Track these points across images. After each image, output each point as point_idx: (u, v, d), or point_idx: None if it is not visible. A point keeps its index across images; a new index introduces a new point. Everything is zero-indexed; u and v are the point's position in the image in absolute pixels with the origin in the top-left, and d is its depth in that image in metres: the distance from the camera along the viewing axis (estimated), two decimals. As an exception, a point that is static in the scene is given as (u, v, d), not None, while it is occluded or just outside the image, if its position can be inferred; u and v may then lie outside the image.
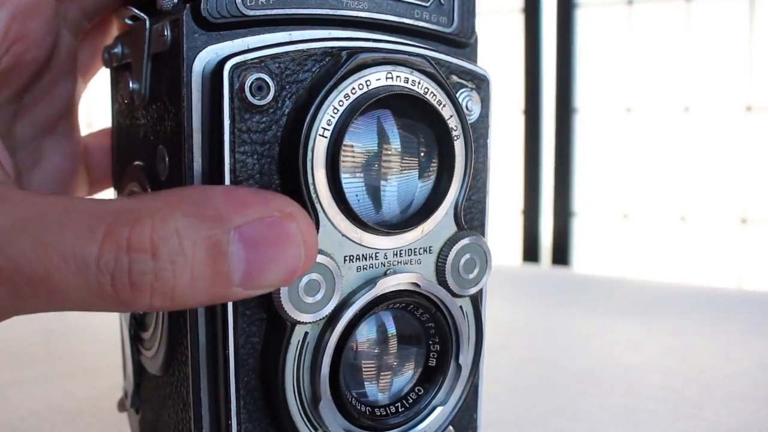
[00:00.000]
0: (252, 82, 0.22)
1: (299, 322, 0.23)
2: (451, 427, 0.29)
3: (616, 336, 0.58)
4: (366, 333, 0.26)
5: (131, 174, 0.29)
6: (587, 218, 1.32)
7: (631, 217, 1.30)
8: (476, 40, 0.29)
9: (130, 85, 0.26)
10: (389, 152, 0.25)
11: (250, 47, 0.23)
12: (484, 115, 0.28)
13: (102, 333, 0.49)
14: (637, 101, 1.27)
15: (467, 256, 0.27)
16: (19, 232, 0.19)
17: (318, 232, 0.23)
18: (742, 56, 1.19)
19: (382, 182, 0.25)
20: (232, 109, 0.22)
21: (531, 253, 1.34)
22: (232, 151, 0.22)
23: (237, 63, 0.22)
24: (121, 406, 0.34)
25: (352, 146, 0.24)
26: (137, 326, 0.30)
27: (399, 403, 0.27)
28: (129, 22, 0.26)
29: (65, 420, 0.39)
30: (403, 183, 0.25)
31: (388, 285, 0.25)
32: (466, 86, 0.27)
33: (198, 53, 0.23)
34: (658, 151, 1.26)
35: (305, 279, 0.23)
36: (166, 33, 0.23)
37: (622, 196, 1.30)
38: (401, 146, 0.25)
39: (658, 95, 1.26)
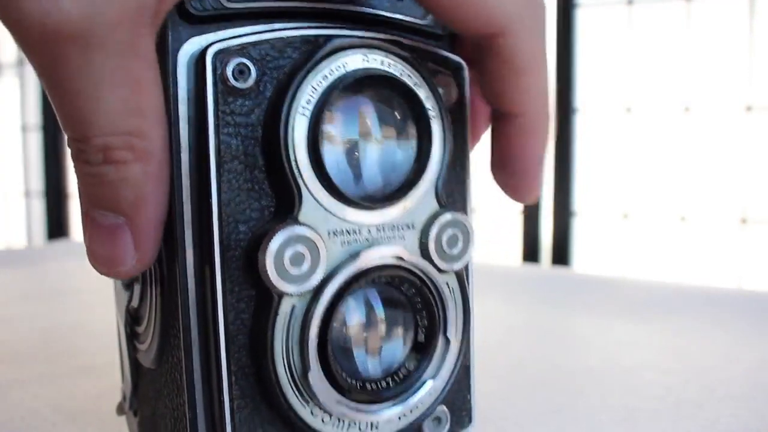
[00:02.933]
0: (234, 67, 0.23)
1: (285, 294, 0.24)
2: (444, 407, 0.29)
3: (616, 336, 0.58)
4: (353, 307, 0.27)
5: None
6: (587, 218, 1.32)
7: (631, 217, 1.30)
8: (450, 32, 0.29)
9: None
10: (368, 128, 0.26)
11: (232, 36, 0.24)
12: (461, 101, 0.29)
13: (102, 333, 0.49)
14: (637, 101, 1.27)
15: (450, 231, 0.28)
16: None
17: (301, 207, 0.24)
18: (742, 56, 1.19)
19: (363, 156, 0.26)
20: (215, 93, 0.23)
21: (531, 253, 1.34)
22: (217, 133, 0.23)
23: (219, 49, 0.23)
24: (120, 409, 0.34)
25: (331, 123, 0.25)
26: (132, 321, 0.30)
27: (390, 378, 0.27)
28: None
29: (65, 420, 0.39)
30: (383, 157, 0.26)
31: (372, 257, 0.26)
32: (442, 72, 0.28)
33: (182, 44, 0.24)
34: (658, 151, 1.27)
35: (290, 251, 0.24)
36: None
37: (622, 196, 1.30)
38: (379, 122, 0.26)
39: (658, 95, 1.26)
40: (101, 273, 0.25)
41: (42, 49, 0.22)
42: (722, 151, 1.22)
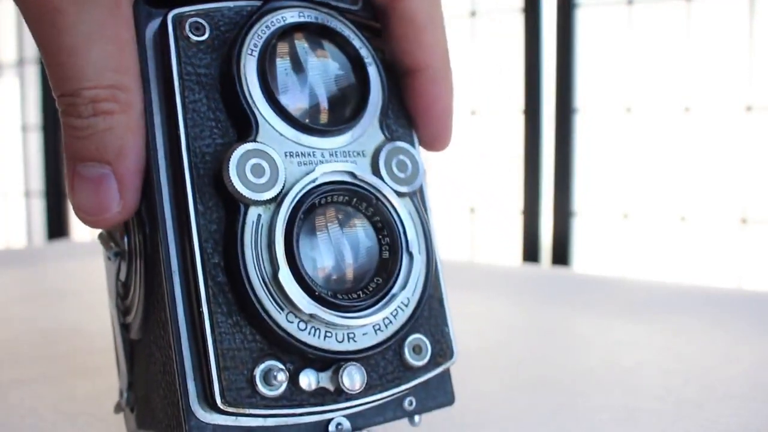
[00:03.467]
0: (191, 23, 0.27)
1: (250, 201, 0.27)
2: (422, 336, 0.30)
3: (616, 336, 0.58)
4: (317, 222, 0.29)
5: None
6: (587, 218, 1.32)
7: (631, 217, 1.30)
8: (378, 22, 0.33)
9: None
10: (311, 63, 0.30)
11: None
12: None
13: (102, 333, 0.49)
14: (637, 101, 1.27)
15: (399, 157, 0.30)
16: None
17: (258, 132, 0.27)
18: (742, 56, 1.19)
19: (310, 84, 0.29)
20: (177, 46, 0.27)
21: (531, 253, 1.34)
22: (181, 78, 0.27)
23: (178, 12, 0.27)
24: (118, 407, 0.34)
25: (278, 59, 0.29)
26: (122, 299, 0.31)
27: (360, 291, 0.29)
28: None
29: (65, 419, 0.39)
30: (329, 86, 0.30)
31: (327, 170, 0.28)
32: (372, 35, 0.32)
33: (149, 22, 0.28)
34: (658, 151, 1.27)
35: (251, 161, 0.27)
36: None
37: (622, 196, 1.30)
38: (321, 59, 0.30)
39: (658, 95, 1.26)
40: (87, 223, 0.28)
41: (40, 3, 0.25)
42: (722, 151, 1.22)
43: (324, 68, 0.30)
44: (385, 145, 0.30)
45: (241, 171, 0.26)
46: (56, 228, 1.78)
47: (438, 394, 0.31)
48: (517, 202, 1.35)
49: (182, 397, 0.26)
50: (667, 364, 0.50)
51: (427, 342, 0.30)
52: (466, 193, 1.43)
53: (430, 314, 0.31)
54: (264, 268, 0.26)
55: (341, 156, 0.29)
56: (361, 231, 0.29)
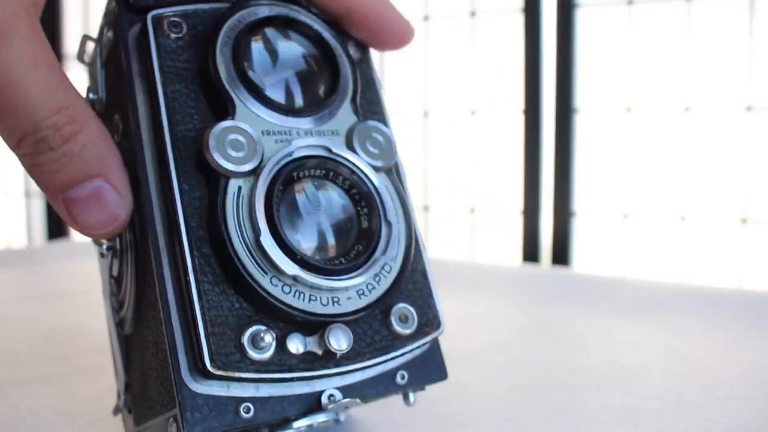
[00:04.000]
0: (169, 22, 0.29)
1: (230, 173, 0.28)
2: (407, 305, 0.31)
3: (616, 336, 0.58)
4: (296, 193, 0.30)
5: None
6: (587, 218, 1.32)
7: (631, 217, 1.30)
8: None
9: (91, 96, 0.32)
10: (283, 48, 0.31)
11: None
12: (367, 58, 0.34)
13: (101, 333, 0.49)
14: (637, 101, 1.27)
15: (372, 134, 0.32)
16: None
17: (236, 112, 0.29)
18: (742, 56, 1.19)
19: (282, 67, 0.31)
20: (157, 44, 0.29)
21: (531, 253, 1.34)
22: (162, 71, 0.29)
23: (157, 14, 0.29)
24: (117, 409, 0.34)
25: (251, 46, 0.31)
26: (115, 294, 0.32)
27: (342, 258, 0.29)
28: (86, 62, 0.34)
29: (65, 419, 0.39)
30: (300, 70, 0.31)
31: (302, 144, 0.29)
32: (345, 39, 0.33)
33: (131, 27, 0.30)
34: (658, 151, 1.27)
35: (230, 136, 0.28)
36: (110, 35, 0.31)
37: (622, 196, 1.30)
38: (292, 46, 0.31)
39: (658, 95, 1.26)
40: (101, 236, 0.28)
41: None
42: (722, 151, 1.22)
43: (295, 53, 0.31)
44: (357, 125, 0.31)
45: (221, 145, 0.28)
46: (56, 228, 1.78)
47: (431, 368, 0.32)
48: (517, 202, 1.35)
49: (174, 370, 0.27)
50: (667, 364, 0.50)
51: (413, 311, 0.31)
52: (466, 193, 1.43)
53: (414, 286, 0.31)
54: (246, 234, 0.27)
55: (316, 135, 0.30)
56: (339, 202, 0.30)
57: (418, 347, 0.31)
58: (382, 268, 0.30)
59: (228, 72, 0.29)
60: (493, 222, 1.41)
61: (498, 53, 1.36)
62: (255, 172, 0.28)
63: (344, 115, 0.31)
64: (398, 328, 0.30)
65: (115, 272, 0.32)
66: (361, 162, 0.30)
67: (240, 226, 0.27)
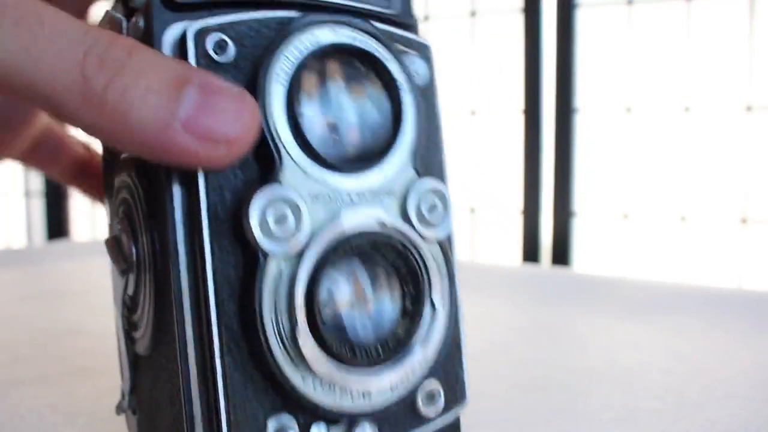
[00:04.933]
0: (214, 42, 0.25)
1: (271, 254, 0.25)
2: (437, 382, 0.29)
3: (616, 336, 0.58)
4: (339, 273, 0.27)
5: (122, 165, 0.30)
6: (587, 218, 1.32)
7: (631, 217, 1.30)
8: (416, 22, 0.31)
9: None
10: (341, 94, 0.27)
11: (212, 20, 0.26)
12: (432, 79, 0.30)
13: (102, 333, 0.49)
14: (637, 101, 1.27)
15: (429, 198, 0.29)
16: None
17: (283, 171, 0.25)
18: (742, 56, 1.19)
19: (339, 117, 0.27)
20: (198, 66, 0.25)
21: (531, 253, 1.34)
22: None
23: (200, 27, 0.25)
24: (119, 408, 0.34)
25: (307, 89, 0.27)
26: (129, 312, 0.31)
27: (379, 345, 0.27)
28: (108, 26, 0.28)
29: (65, 420, 0.39)
30: (360, 119, 0.27)
31: (354, 219, 0.26)
32: (410, 53, 0.29)
33: (166, 29, 0.25)
34: (658, 151, 1.27)
35: (274, 210, 0.25)
36: (140, 24, 0.26)
37: (622, 196, 1.30)
38: (351, 88, 0.28)
39: (658, 95, 1.26)
40: (226, 158, 0.23)
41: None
42: (722, 151, 1.22)
43: (353, 93, 0.28)
44: (415, 184, 0.28)
45: (263, 221, 0.25)
46: (56, 228, 1.78)
47: None
48: (517, 202, 1.35)
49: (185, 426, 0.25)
50: (667, 364, 0.50)
51: (441, 388, 0.29)
52: (466, 193, 1.43)
53: (446, 358, 0.29)
54: (282, 323, 0.25)
55: (369, 197, 0.27)
56: (385, 283, 0.28)
57: (441, 425, 0.30)
58: (420, 358, 0.28)
59: (278, 117, 0.26)
60: (493, 222, 1.41)
61: (498, 53, 1.36)
62: (298, 254, 0.25)
63: (401, 170, 0.28)
64: (424, 409, 0.29)
65: (130, 291, 0.30)
66: (414, 235, 0.28)
67: (276, 313, 0.25)
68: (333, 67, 0.27)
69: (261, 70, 0.26)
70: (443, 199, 0.29)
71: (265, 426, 0.25)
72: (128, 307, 0.31)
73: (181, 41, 0.25)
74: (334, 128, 0.27)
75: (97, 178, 0.40)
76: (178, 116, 0.22)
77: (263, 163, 0.25)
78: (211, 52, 0.25)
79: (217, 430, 0.25)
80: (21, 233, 1.90)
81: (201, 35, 0.25)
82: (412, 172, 0.28)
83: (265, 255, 0.25)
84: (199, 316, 0.25)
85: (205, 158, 0.23)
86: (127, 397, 0.32)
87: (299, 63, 0.26)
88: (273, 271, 0.25)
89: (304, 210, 0.25)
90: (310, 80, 0.27)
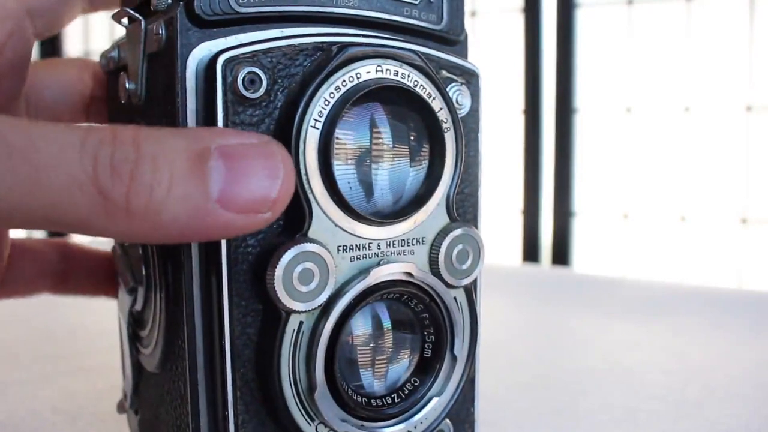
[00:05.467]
0: (245, 76, 0.23)
1: (293, 311, 0.24)
2: (448, 420, 0.29)
3: (616, 336, 0.58)
4: (361, 323, 0.26)
5: None
6: (587, 218, 1.32)
7: (631, 217, 1.30)
8: (466, 38, 0.29)
9: (127, 85, 0.26)
10: (380, 142, 0.26)
11: (243, 43, 0.23)
12: (475, 109, 0.28)
13: (101, 333, 0.50)
14: (637, 101, 1.27)
15: (460, 246, 0.27)
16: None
17: (311, 222, 0.24)
18: (742, 56, 1.19)
19: (374, 172, 0.26)
20: (225, 102, 0.22)
21: (531, 253, 1.34)
22: None
23: (230, 57, 0.22)
24: (121, 407, 0.34)
25: (343, 137, 0.25)
26: (135, 324, 0.30)
27: (395, 395, 0.27)
28: (125, 24, 0.27)
29: (66, 420, 0.39)
30: (394, 173, 0.26)
31: (381, 274, 0.25)
32: (456, 81, 0.28)
33: (191, 50, 0.23)
34: (658, 151, 1.27)
35: (299, 267, 0.23)
36: (160, 32, 0.24)
37: (622, 196, 1.30)
38: (392, 136, 0.26)
39: (658, 95, 1.26)
40: (275, 213, 0.21)
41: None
42: (722, 151, 1.22)
43: (391, 142, 0.26)
44: (448, 233, 0.27)
45: (288, 278, 0.23)
46: (56, 228, 1.78)
47: None
48: (517, 202, 1.35)
49: None
50: (667, 364, 0.50)
51: (451, 426, 0.29)
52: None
53: (461, 399, 0.29)
54: (300, 380, 0.25)
55: (399, 246, 0.26)
56: (406, 335, 0.27)
57: None
58: (436, 406, 0.28)
59: (310, 166, 0.23)
60: (493, 222, 1.41)
61: (498, 53, 1.36)
62: (322, 308, 0.24)
63: (435, 217, 0.27)
64: None
65: (138, 307, 0.29)
66: (441, 288, 0.27)
67: (294, 369, 0.24)
68: (374, 111, 0.25)
69: (297, 111, 0.23)
70: (474, 246, 0.28)
71: None
72: (135, 320, 0.30)
73: (209, 69, 0.23)
74: (368, 180, 0.25)
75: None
76: (211, 197, 0.20)
77: (292, 210, 0.23)
78: (241, 88, 0.23)
79: None
80: (21, 233, 1.90)
81: (231, 67, 0.22)
82: (445, 218, 0.27)
83: (288, 312, 0.24)
84: (213, 362, 0.24)
85: (251, 225, 0.21)
86: (129, 398, 0.32)
87: (337, 106, 0.24)
88: (293, 327, 0.24)
89: (331, 265, 0.24)
90: (348, 127, 0.25)
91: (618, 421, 0.39)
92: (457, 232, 0.27)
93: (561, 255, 1.31)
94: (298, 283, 0.23)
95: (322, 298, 0.24)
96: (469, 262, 0.28)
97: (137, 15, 0.25)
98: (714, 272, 1.23)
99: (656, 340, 0.56)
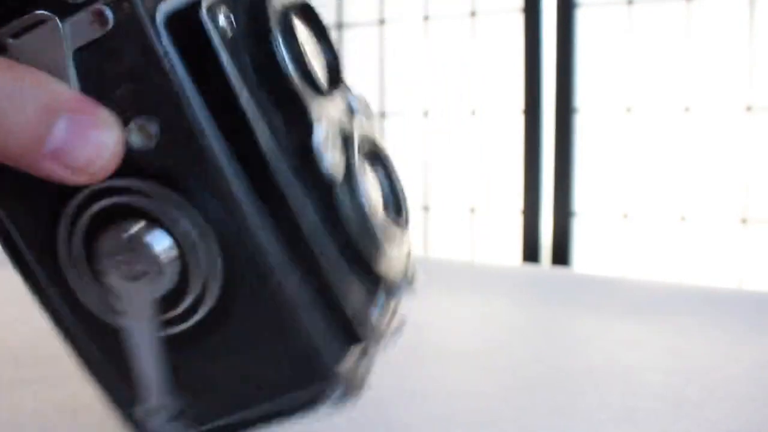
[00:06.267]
0: (225, 15, 0.23)
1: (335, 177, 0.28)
2: None
3: (616, 336, 0.58)
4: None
5: None
6: (587, 218, 1.32)
7: (631, 217, 1.30)
8: None
9: None
10: (307, 34, 0.29)
11: None
12: None
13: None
14: (637, 101, 1.27)
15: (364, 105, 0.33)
16: None
17: (312, 116, 0.26)
18: (742, 56, 1.19)
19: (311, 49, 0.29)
20: (225, 47, 0.23)
21: (531, 253, 1.34)
22: (238, 80, 0.23)
23: (209, 5, 0.23)
24: (144, 415, 0.33)
25: (296, 36, 0.27)
26: (171, 305, 0.31)
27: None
28: (11, 40, 0.23)
29: (67, 420, 0.39)
30: (317, 47, 0.30)
31: (364, 133, 0.30)
32: None
33: (153, 15, 0.22)
34: (658, 151, 1.27)
35: (330, 143, 0.27)
36: (106, 14, 0.22)
37: (622, 196, 1.30)
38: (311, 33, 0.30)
39: (658, 95, 1.26)
40: (93, 180, 0.23)
41: None
42: (722, 151, 1.22)
43: (310, 35, 0.30)
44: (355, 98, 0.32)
45: (327, 150, 0.26)
46: (56, 228, 1.78)
47: None
48: (517, 202, 1.35)
49: (310, 340, 0.26)
50: (667, 364, 0.50)
51: None
52: (466, 193, 1.43)
53: None
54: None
55: (357, 115, 0.31)
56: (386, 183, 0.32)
57: None
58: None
59: (292, 68, 0.26)
60: (493, 222, 1.41)
61: (498, 53, 1.36)
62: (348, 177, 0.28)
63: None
64: None
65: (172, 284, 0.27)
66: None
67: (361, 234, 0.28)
68: (297, 18, 0.29)
69: (268, 29, 0.25)
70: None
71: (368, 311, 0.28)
72: (169, 303, 0.28)
73: (183, 16, 0.22)
74: (316, 66, 0.29)
75: None
76: (45, 146, 0.22)
77: (289, 113, 0.26)
78: (226, 26, 0.23)
79: (337, 317, 0.26)
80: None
81: (213, 11, 0.22)
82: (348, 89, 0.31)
83: (331, 186, 0.26)
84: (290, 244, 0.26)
85: (71, 181, 0.23)
86: (159, 401, 0.30)
87: (289, 16, 0.27)
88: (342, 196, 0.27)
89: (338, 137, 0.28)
90: (296, 32, 0.28)
91: (618, 421, 0.39)
92: (356, 95, 0.33)
93: (561, 255, 1.31)
94: (331, 153, 0.27)
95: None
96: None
97: (48, 14, 0.23)
98: (714, 272, 1.23)
99: (656, 339, 0.56)
